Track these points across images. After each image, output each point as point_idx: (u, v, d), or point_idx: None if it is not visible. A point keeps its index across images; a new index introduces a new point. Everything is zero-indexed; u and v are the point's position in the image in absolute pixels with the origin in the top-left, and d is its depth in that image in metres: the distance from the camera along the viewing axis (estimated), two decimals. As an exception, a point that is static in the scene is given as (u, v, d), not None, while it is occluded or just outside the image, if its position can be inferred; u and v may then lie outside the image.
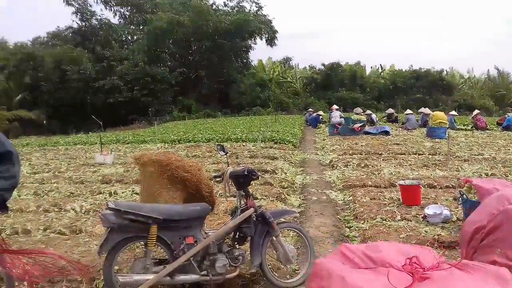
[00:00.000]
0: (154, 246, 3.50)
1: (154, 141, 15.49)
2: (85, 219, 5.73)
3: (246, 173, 3.82)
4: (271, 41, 43.17)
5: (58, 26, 44.39)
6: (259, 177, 4.15)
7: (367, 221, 5.66)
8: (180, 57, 40.59)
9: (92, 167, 10.25)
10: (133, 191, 7.40)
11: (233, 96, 39.41)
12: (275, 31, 43.39)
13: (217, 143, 14.15)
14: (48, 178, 8.85)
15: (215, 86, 40.00)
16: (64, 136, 22.92)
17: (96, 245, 4.56)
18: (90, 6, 41.84)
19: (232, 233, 3.89)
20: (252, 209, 3.85)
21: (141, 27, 41.62)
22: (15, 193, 7.41)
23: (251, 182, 4.01)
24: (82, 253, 4.38)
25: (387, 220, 5.61)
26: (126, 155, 12.18)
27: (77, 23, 40.80)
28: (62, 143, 16.63)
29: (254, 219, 3.90)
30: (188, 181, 5.25)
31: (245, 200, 3.95)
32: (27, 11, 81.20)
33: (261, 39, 42.50)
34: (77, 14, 40.94)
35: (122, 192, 7.37)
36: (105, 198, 7.03)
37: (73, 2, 39.87)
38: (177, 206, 4.01)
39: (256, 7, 44.00)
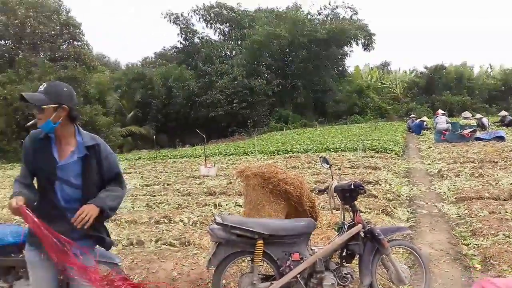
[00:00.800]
0: (261, 261, 3.49)
1: (254, 153, 15.80)
2: (192, 231, 5.95)
3: (352, 187, 3.66)
4: (367, 46, 42.03)
5: (164, 46, 47.88)
6: (366, 191, 3.95)
7: (487, 238, 5.14)
8: (276, 69, 41.25)
9: (197, 179, 10.71)
10: (236, 203, 7.56)
11: (329, 104, 38.98)
12: (372, 34, 42.17)
13: (318, 154, 14.08)
14: (158, 191, 9.41)
15: (311, 95, 39.94)
16: (171, 149, 24.39)
17: (204, 257, 4.70)
18: (193, 25, 44.32)
19: (339, 250, 3.75)
20: (360, 226, 3.68)
21: (239, 42, 43.10)
22: (129, 204, 7.99)
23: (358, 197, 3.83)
24: (191, 265, 4.52)
25: (511, 237, 5.04)
26: (228, 167, 12.56)
27: (181, 42, 43.48)
28: (170, 156, 17.67)
29: (363, 236, 3.71)
30: (290, 194, 5.21)
31: (351, 216, 3.79)
32: (137, 34, 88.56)
33: (357, 44, 41.59)
34: (181, 34, 43.60)
35: (226, 204, 7.56)
36: (210, 210, 7.27)
37: (178, 22, 42.55)
38: (283, 221, 3.97)
39: (352, 11, 43.26)
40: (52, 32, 26.31)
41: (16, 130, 20.97)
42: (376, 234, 3.65)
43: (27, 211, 2.46)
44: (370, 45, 42.16)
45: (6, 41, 26.37)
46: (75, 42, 28.50)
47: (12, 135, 21.00)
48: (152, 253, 5.06)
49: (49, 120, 2.53)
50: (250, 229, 3.40)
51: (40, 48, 27.18)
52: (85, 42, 29.37)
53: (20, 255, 4.10)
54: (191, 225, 6.41)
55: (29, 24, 25.03)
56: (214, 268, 3.46)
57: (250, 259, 3.58)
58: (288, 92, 39.56)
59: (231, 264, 3.57)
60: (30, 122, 2.82)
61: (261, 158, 14.47)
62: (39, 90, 2.60)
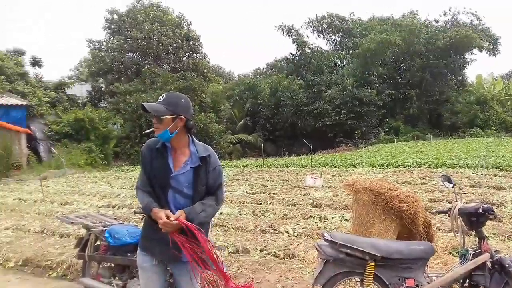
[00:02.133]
0: (371, 284, 3.25)
1: (362, 165, 15.25)
2: (297, 243, 5.84)
3: (481, 211, 3.25)
4: (492, 50, 38.26)
5: (275, 57, 48.84)
6: (497, 216, 3.49)
7: None
8: (388, 78, 39.62)
9: (303, 189, 10.60)
10: (342, 217, 7.29)
11: (446, 116, 36.32)
12: (497, 38, 38.39)
13: (432, 169, 13.13)
14: (264, 199, 9.48)
15: (425, 106, 37.60)
16: (278, 158, 24.65)
17: (308, 273, 4.56)
18: (306, 37, 44.57)
19: (461, 280, 3.35)
20: (487, 255, 3.25)
21: (350, 52, 42.32)
22: (236, 211, 8.14)
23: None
24: (295, 279, 4.41)
25: None
26: (334, 179, 12.26)
27: (292, 54, 44.03)
28: (276, 165, 17.83)
29: (490, 266, 3.29)
30: (404, 212, 4.84)
31: (476, 242, 3.37)
32: (251, 46, 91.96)
33: (481, 51, 38.15)
34: (294, 44, 44.14)
35: (332, 218, 7.33)
36: (315, 222, 7.10)
37: (290, 34, 43.17)
38: (397, 243, 3.67)
39: (476, 19, 39.84)
40: (175, 45, 28.32)
41: (139, 135, 22.88)
42: (507, 265, 3.20)
43: (183, 222, 2.54)
44: (495, 50, 38.38)
45: (134, 54, 29.02)
46: (194, 54, 30.36)
47: (135, 139, 22.95)
48: (257, 262, 5.05)
49: (166, 129, 2.62)
50: (361, 249, 3.19)
51: (163, 60, 29.44)
52: (203, 54, 31.16)
53: (135, 256, 4.35)
54: (296, 236, 6.31)
55: (154, 37, 27.26)
56: (320, 287, 3.31)
57: (359, 280, 3.36)
58: (400, 102, 37.72)
59: (338, 284, 3.39)
60: (148, 130, 2.97)
61: (369, 171, 13.90)
62: (158, 100, 2.69)
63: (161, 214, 2.53)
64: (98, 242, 4.52)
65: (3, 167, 16.36)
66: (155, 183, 2.71)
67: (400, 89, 38.15)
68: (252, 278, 4.48)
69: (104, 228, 4.43)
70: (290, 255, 5.38)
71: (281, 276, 4.47)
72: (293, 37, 42.73)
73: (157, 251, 2.72)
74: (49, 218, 8.28)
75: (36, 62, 24.48)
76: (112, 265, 4.43)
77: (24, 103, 18.81)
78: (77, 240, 4.89)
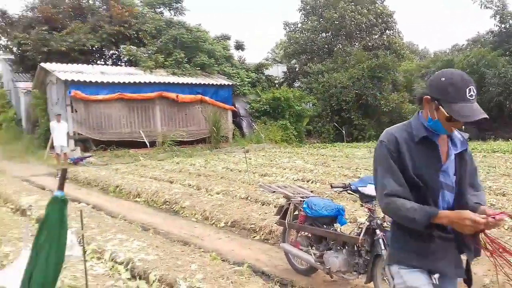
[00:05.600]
0: None
1: None
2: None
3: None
4: None
5: (478, 32, 43.35)
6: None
7: None
8: None
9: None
10: None
11: None
12: None
13: None
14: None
15: None
16: (480, 142, 22.12)
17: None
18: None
19: None
20: None
21: None
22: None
23: None
24: None
25: None
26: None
27: (497, 25, 38.42)
28: (480, 149, 16.05)
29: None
30: None
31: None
32: (447, 22, 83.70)
33: None
34: (495, 16, 38.49)
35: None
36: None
37: (491, 6, 37.73)
38: None
39: None
40: (368, 22, 27.69)
41: (330, 114, 23.29)
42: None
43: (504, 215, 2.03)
44: None
45: (327, 34, 29.37)
46: (387, 31, 29.19)
47: (326, 118, 23.44)
48: None
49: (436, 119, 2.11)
50: None
51: (355, 38, 29.10)
52: (396, 31, 29.72)
53: (331, 228, 4.50)
54: None
55: (347, 16, 27.07)
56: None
57: None
58: None
59: None
60: None
61: None
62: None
63: (471, 215, 1.95)
64: (296, 212, 4.83)
65: (214, 140, 18.70)
66: (416, 183, 2.13)
67: None
68: None
69: (302, 199, 4.70)
70: None
71: None
72: (495, 8, 37.13)
73: (443, 267, 2.17)
74: (252, 187, 9.15)
75: (239, 46, 26.89)
76: (309, 235, 4.68)
77: (230, 83, 20.98)
78: (277, 208, 5.30)
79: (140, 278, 4.57)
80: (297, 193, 4.91)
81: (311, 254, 4.44)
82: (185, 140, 18.66)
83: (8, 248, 5.41)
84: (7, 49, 21.85)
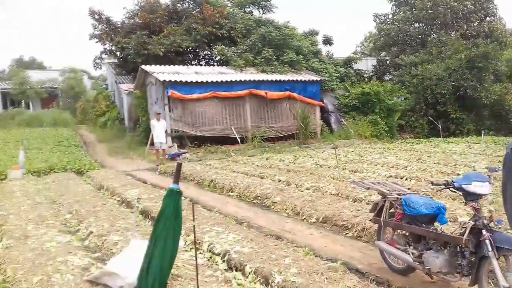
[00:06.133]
0: None
1: None
2: None
3: None
4: None
5: None
6: None
7: None
8: None
9: None
10: None
11: None
12: None
13: None
14: None
15: None
16: None
17: None
18: None
19: None
20: None
21: None
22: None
23: None
24: None
25: None
26: None
27: None
28: None
29: None
30: None
31: None
32: None
33: None
34: None
35: None
36: None
37: None
38: None
39: None
40: (466, 10, 25.87)
41: (423, 108, 22.13)
42: None
43: None
44: None
45: (420, 24, 27.94)
46: (487, 18, 27.03)
47: (420, 112, 22.31)
48: None
49: None
50: None
51: (451, 27, 27.31)
52: (498, 17, 27.41)
53: (431, 227, 4.32)
54: None
55: (442, 4, 25.50)
56: None
57: None
58: None
59: None
60: None
61: None
62: None
63: None
64: (392, 209, 4.70)
65: (302, 136, 18.74)
66: None
67: None
68: None
69: (399, 197, 4.57)
70: None
71: None
72: None
73: None
74: (343, 183, 9.06)
75: (327, 41, 26.59)
76: (407, 233, 4.54)
77: (318, 79, 20.83)
78: (372, 205, 5.20)
79: (236, 270, 4.77)
80: (393, 190, 4.79)
81: (409, 254, 4.31)
82: (273, 136, 18.93)
83: (117, 237, 5.93)
84: (111, 53, 23.74)
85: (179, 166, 2.74)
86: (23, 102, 38.33)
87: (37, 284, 4.26)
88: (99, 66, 25.12)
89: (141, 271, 2.86)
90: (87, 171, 13.54)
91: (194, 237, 3.35)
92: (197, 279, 3.65)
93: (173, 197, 2.67)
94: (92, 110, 30.88)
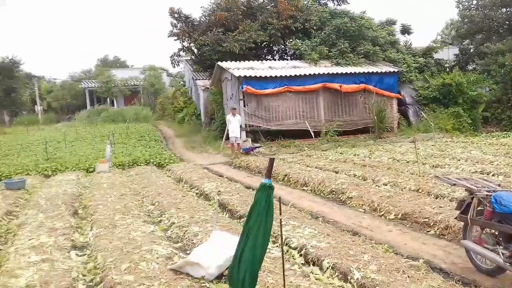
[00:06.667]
0: None
1: None
2: None
3: None
4: None
5: None
6: None
7: None
8: None
9: None
10: None
11: None
12: None
13: None
14: None
15: None
16: None
17: None
18: None
19: None
20: None
21: None
22: None
23: None
24: None
25: None
26: None
27: None
28: None
29: None
30: None
31: None
32: None
33: None
34: None
35: None
36: None
37: None
38: None
39: None
40: None
41: (511, 99, 20.51)
42: None
43: None
44: None
45: (508, 9, 25.88)
46: None
47: (507, 103, 20.71)
48: None
49: None
50: None
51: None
52: None
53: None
54: None
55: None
56: None
57: None
58: None
59: None
60: None
61: None
62: None
63: None
64: (480, 207, 4.43)
65: (378, 130, 18.19)
66: None
67: None
68: None
69: (489, 194, 4.30)
70: None
71: None
72: None
73: None
74: (423, 179, 8.68)
75: (405, 30, 25.44)
76: (496, 232, 4.27)
77: (395, 70, 20.05)
78: (458, 202, 4.93)
79: (313, 264, 4.76)
80: (482, 187, 4.51)
81: (499, 254, 4.04)
82: (348, 130, 18.56)
83: (196, 229, 6.16)
84: (189, 51, 24.56)
85: (272, 161, 2.79)
86: (108, 99, 40.94)
87: (125, 271, 4.54)
88: (176, 63, 26.04)
89: (233, 261, 2.97)
90: (167, 164, 14.19)
91: (281, 232, 3.38)
92: (283, 274, 3.70)
93: (265, 192, 2.73)
94: (171, 106, 32.24)
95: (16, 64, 39.43)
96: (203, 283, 4.26)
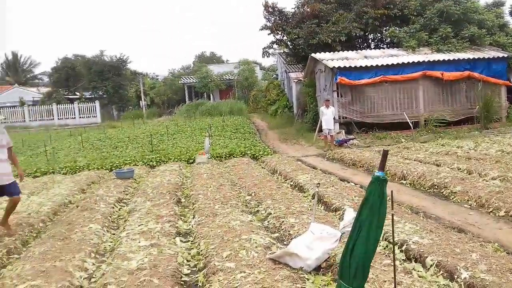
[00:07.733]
0: None
1: None
2: None
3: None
4: None
5: None
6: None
7: None
8: None
9: None
10: None
11: None
12: None
13: None
14: None
15: None
16: None
17: None
18: None
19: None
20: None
21: None
22: None
23: None
24: None
25: None
26: None
27: None
28: None
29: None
30: None
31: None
32: None
33: None
34: None
35: None
36: None
37: None
38: None
39: None
40: None
41: None
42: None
43: None
44: None
45: None
46: None
47: None
48: None
49: None
50: None
51: None
52: None
53: None
54: None
55: None
56: None
57: None
58: None
59: None
60: None
61: None
62: None
63: None
64: None
65: (484, 120, 16.84)
66: None
67: None
68: None
69: None
70: None
71: None
72: None
73: None
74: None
75: (517, 10, 23.21)
76: None
77: (504, 55, 18.33)
78: None
79: (415, 261, 4.59)
80: None
81: None
82: (450, 120, 17.42)
83: (293, 220, 6.24)
84: (282, 44, 24.71)
85: (385, 152, 2.75)
86: (205, 94, 42.72)
87: (227, 258, 4.76)
88: (267, 55, 26.26)
89: (344, 254, 2.99)
90: (261, 156, 14.48)
91: (393, 227, 3.31)
92: (394, 273, 3.63)
93: (379, 184, 2.71)
94: (264, 99, 32.75)
95: (123, 62, 42.77)
96: (302, 274, 4.32)
